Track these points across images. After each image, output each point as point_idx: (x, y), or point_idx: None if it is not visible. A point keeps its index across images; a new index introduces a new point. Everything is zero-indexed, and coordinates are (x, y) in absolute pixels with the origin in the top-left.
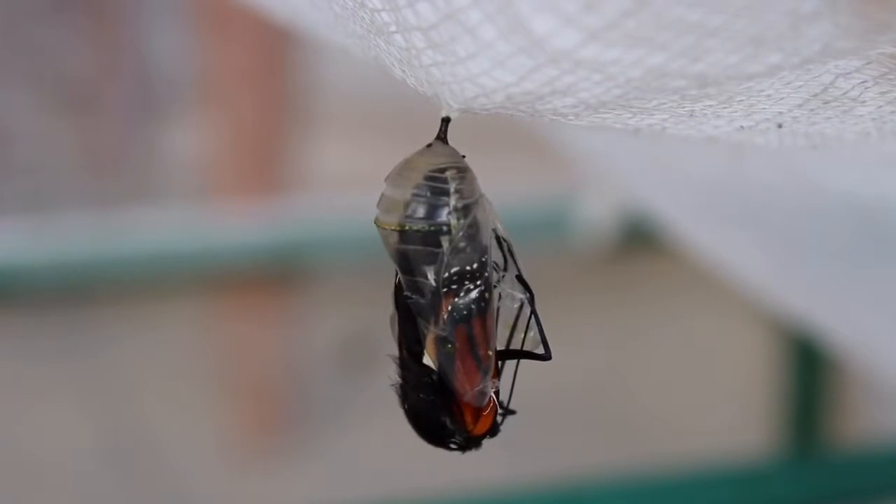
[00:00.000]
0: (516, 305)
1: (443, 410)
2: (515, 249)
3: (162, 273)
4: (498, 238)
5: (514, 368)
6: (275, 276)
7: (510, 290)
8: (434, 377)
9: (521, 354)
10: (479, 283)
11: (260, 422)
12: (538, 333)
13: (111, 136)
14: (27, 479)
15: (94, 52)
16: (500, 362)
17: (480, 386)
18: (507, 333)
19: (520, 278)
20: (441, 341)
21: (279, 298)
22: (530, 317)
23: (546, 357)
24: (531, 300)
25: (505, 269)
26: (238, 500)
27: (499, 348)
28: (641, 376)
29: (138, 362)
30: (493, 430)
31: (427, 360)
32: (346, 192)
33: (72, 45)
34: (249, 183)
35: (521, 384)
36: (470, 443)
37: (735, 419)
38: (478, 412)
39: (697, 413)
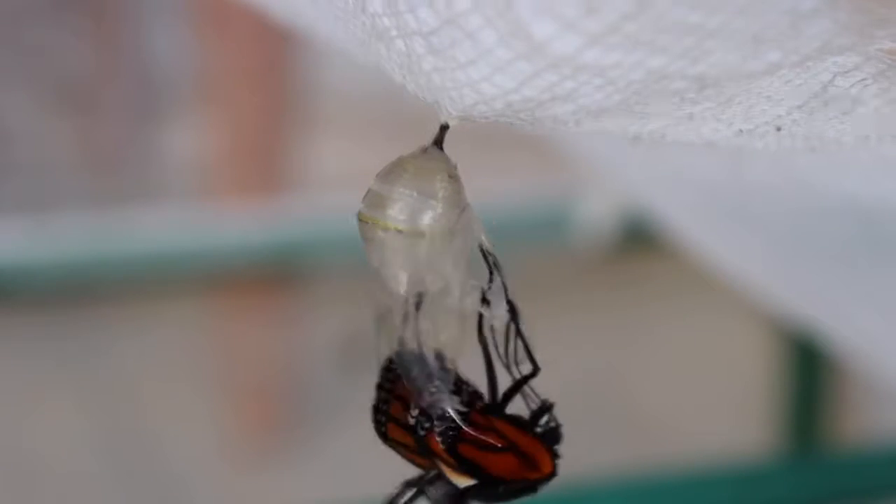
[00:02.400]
0: (498, 322)
1: (509, 483)
2: (500, 263)
3: (162, 273)
4: (483, 251)
5: (515, 376)
6: (275, 276)
7: (492, 306)
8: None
9: (517, 385)
10: (453, 290)
11: (260, 421)
12: (524, 350)
13: (111, 136)
14: (27, 479)
15: (94, 52)
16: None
17: (437, 391)
18: (491, 352)
19: (504, 293)
20: (408, 345)
21: (279, 298)
22: (514, 332)
23: (534, 373)
24: (514, 315)
25: (490, 283)
26: (238, 500)
27: (486, 371)
28: (641, 376)
29: (138, 362)
30: (555, 455)
31: (452, 478)
32: (346, 192)
33: (72, 45)
34: (249, 183)
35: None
36: (546, 479)
37: (735, 419)
38: (531, 462)
39: (697, 413)
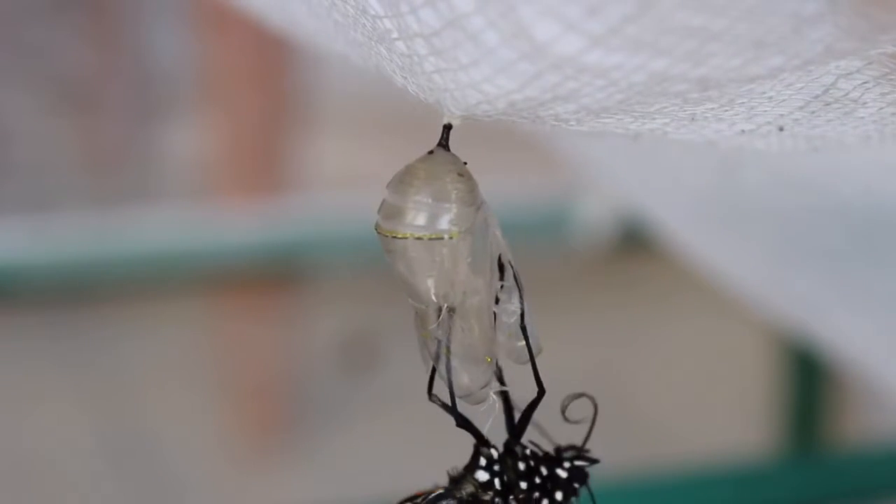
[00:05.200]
0: (512, 319)
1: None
2: (513, 259)
3: (162, 273)
4: (500, 254)
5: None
6: (275, 276)
7: (504, 302)
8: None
9: (528, 412)
10: (480, 288)
11: (260, 421)
12: (533, 373)
13: (111, 135)
14: (27, 479)
15: (94, 52)
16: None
17: (479, 388)
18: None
19: (518, 290)
20: (438, 345)
21: (279, 298)
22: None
23: (540, 396)
24: (524, 325)
25: (502, 278)
26: (238, 500)
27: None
28: (640, 376)
29: (138, 362)
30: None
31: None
32: (346, 192)
33: (72, 45)
34: (249, 183)
35: (518, 384)
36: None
37: (734, 419)
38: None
39: (697, 413)
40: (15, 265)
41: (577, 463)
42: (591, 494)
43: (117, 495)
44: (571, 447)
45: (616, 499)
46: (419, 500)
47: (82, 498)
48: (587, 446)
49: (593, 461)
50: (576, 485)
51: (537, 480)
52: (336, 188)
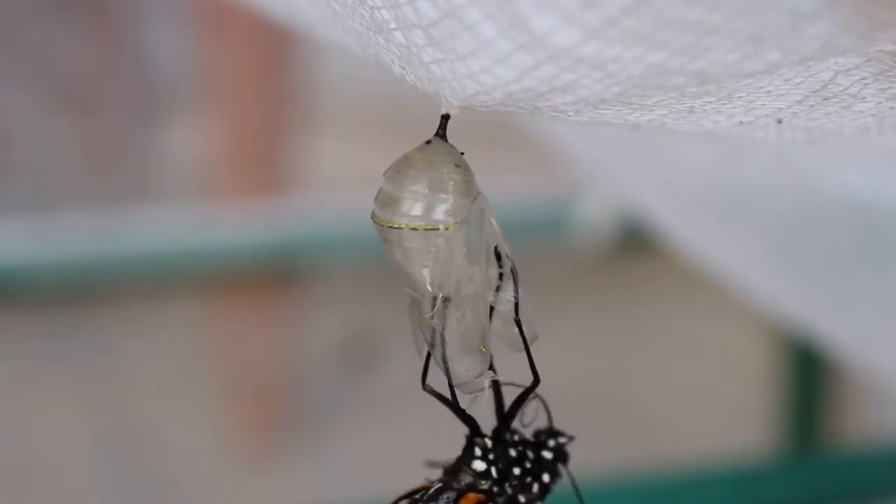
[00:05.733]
0: (507, 308)
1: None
2: (509, 249)
3: (162, 273)
4: (496, 245)
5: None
6: (275, 276)
7: (500, 291)
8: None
9: (520, 399)
10: (473, 278)
11: (260, 421)
12: (528, 361)
13: (111, 136)
14: (26, 479)
15: (94, 52)
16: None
17: (474, 377)
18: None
19: (513, 280)
20: (433, 334)
21: (279, 298)
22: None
23: (535, 384)
24: (518, 317)
25: (500, 267)
26: (238, 500)
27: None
28: (641, 376)
29: (138, 362)
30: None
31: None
32: (346, 192)
33: (72, 45)
34: (249, 183)
35: (518, 375)
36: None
37: (734, 419)
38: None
39: (696, 413)
40: (15, 265)
41: (560, 443)
42: (571, 475)
43: (117, 495)
44: (549, 430)
45: (616, 499)
46: (418, 495)
47: (82, 498)
48: (560, 431)
49: (570, 438)
50: (559, 465)
51: (528, 465)
52: (336, 188)
